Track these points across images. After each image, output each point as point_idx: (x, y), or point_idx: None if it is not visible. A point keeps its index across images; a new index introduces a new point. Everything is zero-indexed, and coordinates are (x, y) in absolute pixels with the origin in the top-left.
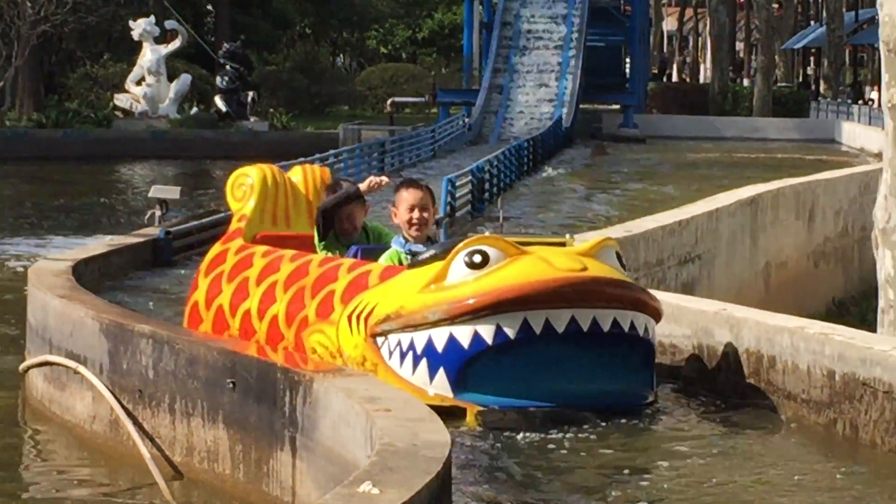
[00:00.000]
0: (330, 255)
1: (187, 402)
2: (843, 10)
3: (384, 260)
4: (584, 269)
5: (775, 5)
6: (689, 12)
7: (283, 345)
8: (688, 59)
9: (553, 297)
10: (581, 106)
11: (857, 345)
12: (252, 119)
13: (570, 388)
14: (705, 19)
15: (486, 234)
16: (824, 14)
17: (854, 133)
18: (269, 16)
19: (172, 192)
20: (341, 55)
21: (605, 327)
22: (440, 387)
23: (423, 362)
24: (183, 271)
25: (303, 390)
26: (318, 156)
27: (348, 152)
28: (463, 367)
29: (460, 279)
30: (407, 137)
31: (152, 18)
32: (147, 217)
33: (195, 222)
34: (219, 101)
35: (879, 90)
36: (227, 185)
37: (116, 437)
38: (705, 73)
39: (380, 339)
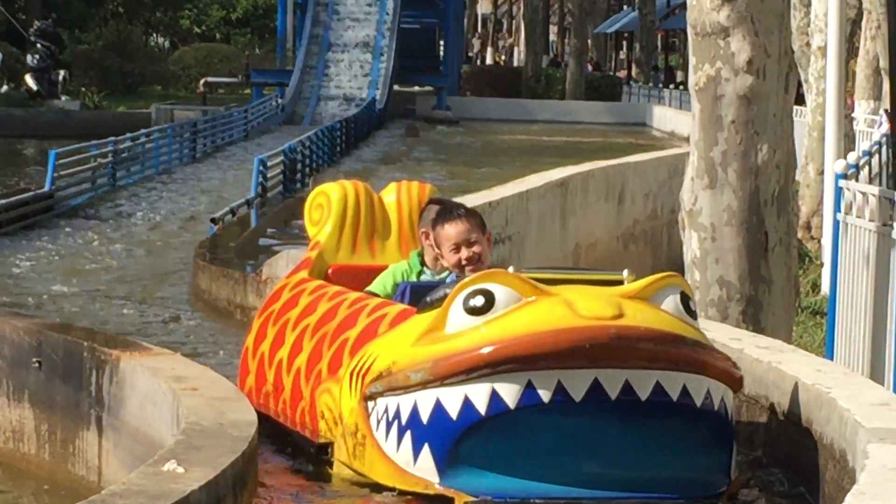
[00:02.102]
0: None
1: None
2: None
3: None
4: (619, 315)
5: None
6: None
7: (303, 406)
8: (502, 43)
9: (568, 354)
10: (395, 88)
11: None
12: (63, 98)
13: (593, 473)
14: (519, 2)
15: (510, 269)
16: None
17: (665, 116)
18: None
19: None
20: (154, 34)
21: (644, 394)
22: (424, 469)
23: (408, 436)
24: None
25: (109, 369)
26: (128, 135)
27: (159, 132)
28: (452, 443)
29: (458, 328)
30: (220, 118)
31: None
32: None
33: (2, 201)
34: (29, 80)
35: (687, 74)
36: (305, 206)
37: None
38: (519, 56)
39: (370, 404)
